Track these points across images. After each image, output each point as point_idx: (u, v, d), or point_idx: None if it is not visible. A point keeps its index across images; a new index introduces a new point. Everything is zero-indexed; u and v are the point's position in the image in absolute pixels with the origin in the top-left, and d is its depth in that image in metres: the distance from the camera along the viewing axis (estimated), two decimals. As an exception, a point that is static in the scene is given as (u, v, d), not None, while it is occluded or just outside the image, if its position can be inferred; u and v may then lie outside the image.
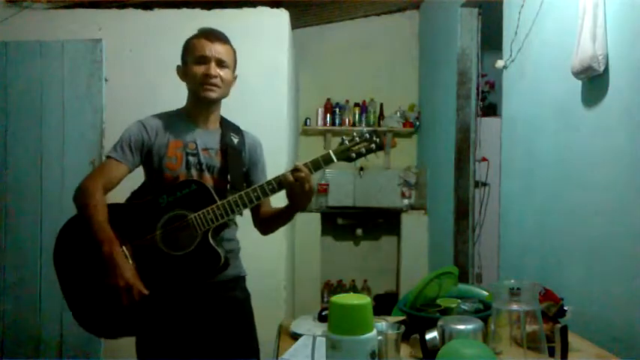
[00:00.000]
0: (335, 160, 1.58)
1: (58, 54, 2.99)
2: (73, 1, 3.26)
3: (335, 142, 4.99)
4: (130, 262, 1.54)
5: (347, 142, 1.60)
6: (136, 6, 3.29)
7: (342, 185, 4.85)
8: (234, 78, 1.76)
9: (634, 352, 1.58)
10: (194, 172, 1.68)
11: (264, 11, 3.26)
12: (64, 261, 1.64)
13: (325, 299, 4.57)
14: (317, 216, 4.52)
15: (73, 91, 2.99)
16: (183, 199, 1.59)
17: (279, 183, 1.59)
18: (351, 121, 4.81)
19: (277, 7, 3.28)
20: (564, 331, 1.33)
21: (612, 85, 1.79)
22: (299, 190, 1.58)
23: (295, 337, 1.58)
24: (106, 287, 1.50)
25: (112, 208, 1.60)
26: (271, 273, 3.17)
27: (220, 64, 1.69)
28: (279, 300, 3.23)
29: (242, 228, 1.81)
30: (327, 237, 4.76)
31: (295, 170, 1.58)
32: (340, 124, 4.78)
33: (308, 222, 4.46)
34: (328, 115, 4.81)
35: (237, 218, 1.80)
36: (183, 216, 1.58)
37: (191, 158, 1.68)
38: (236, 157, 1.74)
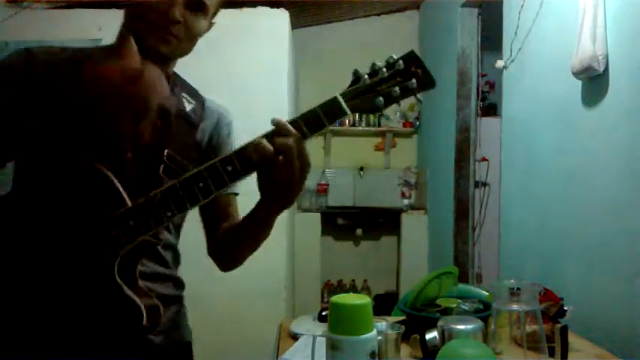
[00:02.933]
0: (348, 111, 0.88)
1: (58, 54, 2.99)
2: (73, 1, 3.26)
3: (336, 142, 5.07)
4: None
5: (366, 78, 0.90)
6: (135, 6, 3.28)
7: (342, 185, 4.85)
8: (210, 26, 1.12)
9: (634, 352, 1.58)
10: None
11: (264, 11, 3.25)
12: None
13: (325, 299, 4.56)
14: (317, 216, 4.52)
15: (73, 91, 2.99)
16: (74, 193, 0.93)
17: (244, 160, 0.88)
18: (351, 121, 4.80)
19: (277, 7, 3.28)
20: (564, 331, 1.33)
21: (612, 85, 1.79)
22: (282, 170, 0.88)
23: (295, 337, 1.57)
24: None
25: None
26: (271, 273, 3.17)
27: (193, 4, 1.04)
28: (279, 300, 3.22)
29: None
30: (327, 237, 4.75)
31: (275, 134, 0.88)
32: (340, 124, 4.78)
33: (308, 222, 4.46)
34: (328, 115, 4.81)
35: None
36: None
37: None
38: (183, 128, 1.07)
